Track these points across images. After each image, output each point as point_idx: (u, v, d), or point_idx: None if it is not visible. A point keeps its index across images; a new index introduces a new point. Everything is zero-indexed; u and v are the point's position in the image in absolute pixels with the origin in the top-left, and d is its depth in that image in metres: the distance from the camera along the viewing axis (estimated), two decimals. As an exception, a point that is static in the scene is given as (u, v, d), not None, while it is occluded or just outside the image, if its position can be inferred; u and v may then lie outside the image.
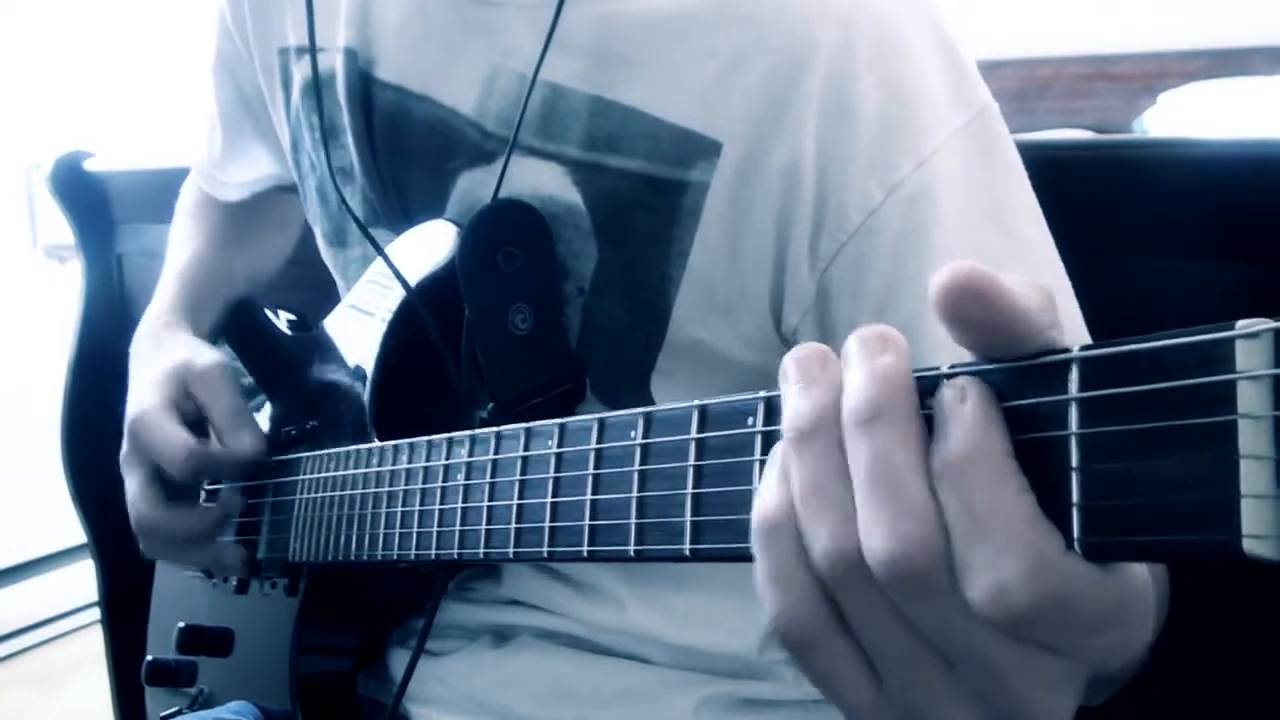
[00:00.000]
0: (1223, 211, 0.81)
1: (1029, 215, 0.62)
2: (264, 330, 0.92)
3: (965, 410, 0.32)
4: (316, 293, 0.89)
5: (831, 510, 0.34)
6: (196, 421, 0.78)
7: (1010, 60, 3.12)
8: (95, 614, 1.49)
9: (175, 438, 0.76)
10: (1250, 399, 0.27)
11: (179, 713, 0.85)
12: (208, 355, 0.80)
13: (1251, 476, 0.27)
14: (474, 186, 0.69)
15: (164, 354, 0.82)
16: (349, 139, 0.74)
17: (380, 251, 0.72)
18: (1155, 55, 3.12)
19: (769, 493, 0.36)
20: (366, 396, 0.72)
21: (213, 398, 0.78)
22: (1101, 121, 3.11)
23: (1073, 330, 0.60)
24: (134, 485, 0.79)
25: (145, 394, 0.79)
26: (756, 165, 0.61)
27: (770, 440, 0.39)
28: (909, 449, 0.33)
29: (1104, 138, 1.82)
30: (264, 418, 0.85)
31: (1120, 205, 0.84)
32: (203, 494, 0.84)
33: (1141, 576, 0.37)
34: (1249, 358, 0.27)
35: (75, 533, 1.38)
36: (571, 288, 0.67)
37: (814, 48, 0.59)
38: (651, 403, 0.68)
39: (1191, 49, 3.07)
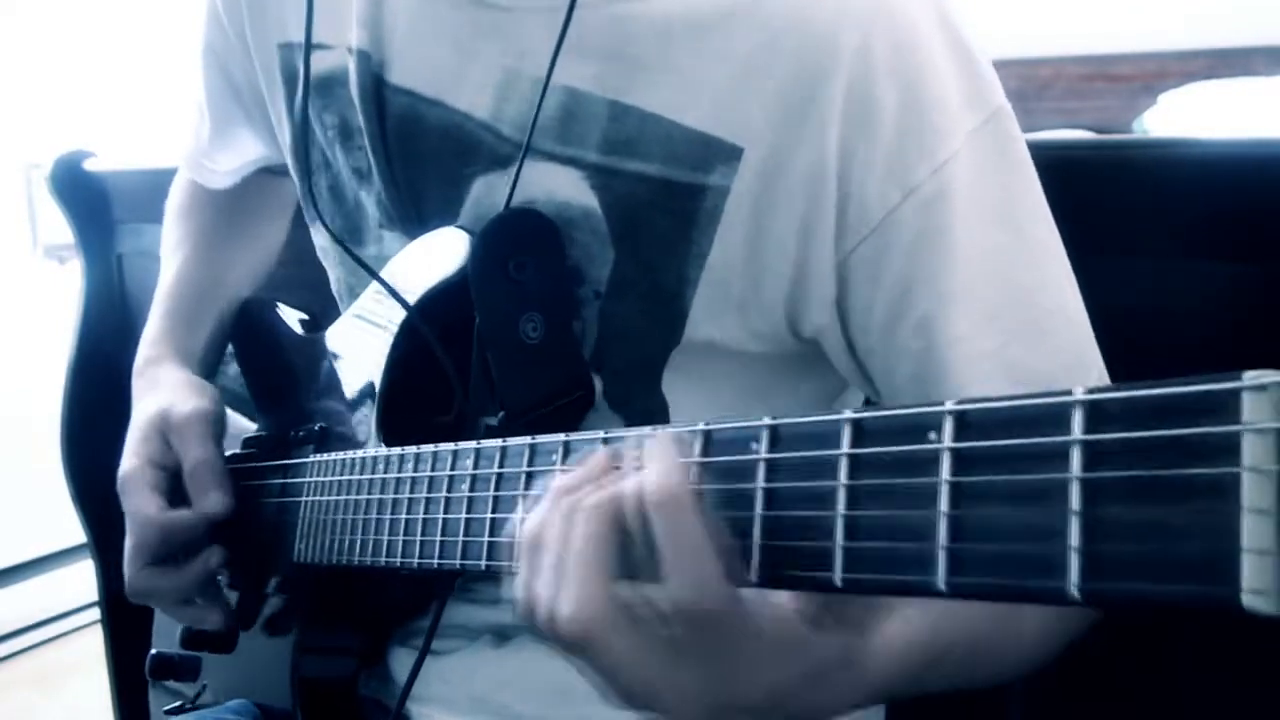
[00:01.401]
0: (1223, 211, 0.81)
1: (1040, 215, 0.63)
2: (273, 330, 0.92)
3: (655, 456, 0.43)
4: (321, 292, 0.89)
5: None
6: (178, 471, 0.80)
7: (1010, 60, 3.12)
8: (95, 614, 1.49)
9: (144, 508, 0.78)
10: (1255, 452, 0.26)
11: (181, 708, 0.85)
12: (187, 403, 0.81)
13: (1254, 531, 0.26)
14: (489, 191, 0.69)
15: (150, 397, 0.84)
16: (364, 141, 0.74)
17: (375, 276, 0.73)
18: (1155, 55, 3.12)
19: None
20: (373, 405, 0.72)
21: (185, 451, 0.79)
22: (1101, 121, 3.11)
23: (1078, 325, 0.62)
24: (128, 545, 0.80)
25: (131, 448, 0.81)
26: (780, 169, 0.62)
27: (775, 466, 0.40)
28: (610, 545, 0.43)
29: (1104, 138, 1.82)
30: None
31: (1120, 205, 0.84)
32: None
33: (876, 658, 0.48)
34: (1256, 410, 0.27)
35: (75, 533, 1.38)
36: (587, 291, 0.67)
37: (834, 54, 0.60)
38: (663, 401, 0.68)
39: (1191, 49, 3.07)
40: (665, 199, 0.63)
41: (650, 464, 0.43)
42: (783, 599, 0.46)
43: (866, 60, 0.60)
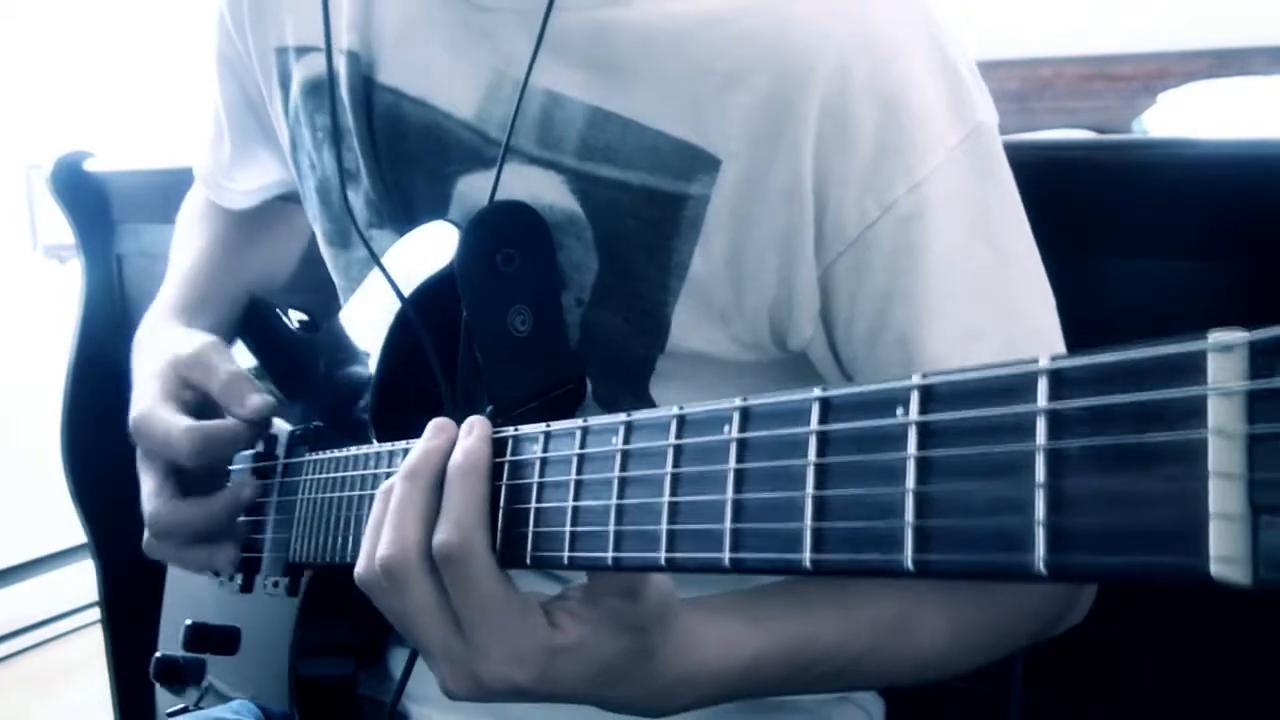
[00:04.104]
0: (1223, 211, 0.81)
1: (1018, 230, 0.63)
2: (275, 329, 0.92)
3: (470, 439, 0.52)
4: (320, 292, 0.89)
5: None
6: (201, 409, 0.78)
7: (1010, 60, 3.12)
8: (95, 614, 1.49)
9: (174, 424, 0.75)
10: (1222, 415, 0.25)
11: (185, 710, 0.85)
12: (196, 339, 0.79)
13: (1221, 496, 0.25)
14: (473, 191, 0.69)
15: (157, 353, 0.82)
16: (354, 141, 0.74)
17: (378, 262, 0.72)
18: (1155, 55, 3.12)
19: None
20: (368, 400, 0.72)
21: (206, 375, 0.77)
22: (1101, 121, 3.11)
23: (1053, 344, 0.63)
24: (149, 484, 0.78)
25: (142, 394, 0.79)
26: (757, 184, 0.61)
27: (745, 446, 0.40)
28: (418, 502, 0.52)
29: (1104, 138, 1.82)
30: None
31: (1120, 205, 0.84)
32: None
33: (692, 654, 0.54)
34: (1221, 371, 0.26)
35: (75, 533, 1.38)
36: (570, 298, 0.67)
37: (811, 71, 0.59)
38: (651, 404, 0.68)
39: (1191, 49, 3.07)
40: (647, 207, 0.63)
41: (462, 439, 0.52)
42: (575, 600, 0.52)
43: (844, 79, 0.59)
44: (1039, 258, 0.64)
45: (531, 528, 0.49)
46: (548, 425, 0.50)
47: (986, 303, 0.61)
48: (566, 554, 0.47)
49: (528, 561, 0.50)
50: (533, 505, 0.50)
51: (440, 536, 0.50)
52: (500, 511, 0.51)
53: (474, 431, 0.52)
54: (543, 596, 0.52)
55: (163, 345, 0.82)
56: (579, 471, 0.47)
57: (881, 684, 0.64)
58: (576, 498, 0.47)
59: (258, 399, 0.75)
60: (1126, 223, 0.84)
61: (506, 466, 0.51)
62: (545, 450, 0.50)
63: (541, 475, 0.49)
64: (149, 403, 0.77)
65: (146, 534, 0.79)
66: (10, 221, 2.93)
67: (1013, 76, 3.18)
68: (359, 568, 0.54)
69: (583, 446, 0.47)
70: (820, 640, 0.58)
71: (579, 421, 0.48)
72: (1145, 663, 0.87)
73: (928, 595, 0.62)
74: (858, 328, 0.63)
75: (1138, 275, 0.84)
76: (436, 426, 0.54)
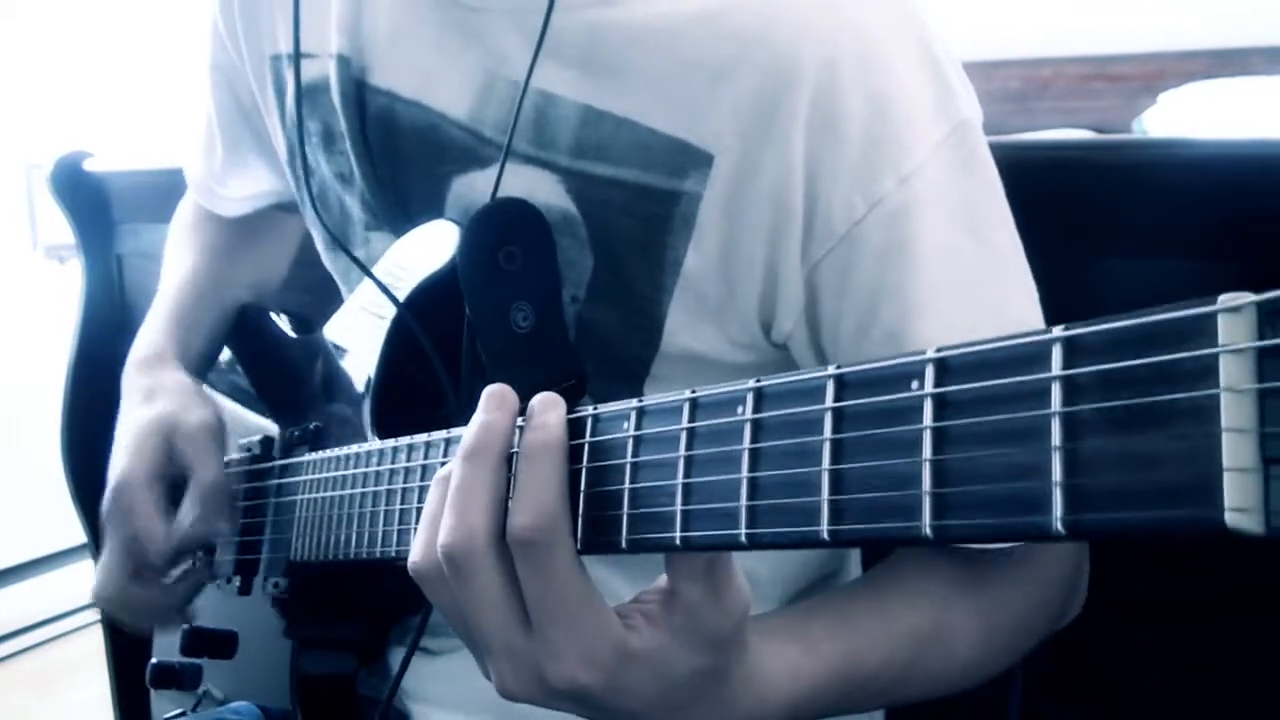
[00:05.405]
0: (1222, 211, 0.81)
1: (1004, 226, 0.64)
2: (268, 333, 0.92)
3: (548, 417, 0.47)
4: (317, 293, 0.89)
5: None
6: (178, 478, 0.79)
7: (1010, 60, 3.12)
8: (95, 614, 1.49)
9: (148, 525, 0.76)
10: (1233, 372, 0.27)
11: (183, 714, 0.85)
12: (194, 412, 0.80)
13: (1234, 450, 0.26)
14: (469, 191, 0.70)
15: (153, 402, 0.82)
16: (346, 144, 0.74)
17: (365, 270, 0.73)
18: (1155, 55, 3.12)
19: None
20: (368, 399, 0.72)
21: (196, 465, 0.77)
22: (1101, 121, 3.11)
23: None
24: (107, 557, 0.80)
25: (131, 452, 0.79)
26: (748, 179, 0.62)
27: (759, 427, 0.40)
28: (483, 486, 0.47)
29: (1104, 138, 1.82)
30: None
31: (1120, 205, 0.84)
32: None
33: (768, 682, 0.52)
34: (1231, 331, 0.27)
35: (75, 533, 1.38)
36: (565, 296, 0.67)
37: (799, 65, 0.60)
38: None
39: (1191, 49, 3.07)
40: (641, 204, 0.64)
41: (534, 418, 0.47)
42: (653, 610, 0.48)
43: (832, 73, 0.60)
44: (1022, 250, 0.64)
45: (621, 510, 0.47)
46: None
47: (973, 298, 0.62)
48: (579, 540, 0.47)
49: (623, 546, 0.46)
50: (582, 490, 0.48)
51: (521, 519, 0.45)
52: (581, 496, 0.47)
53: (557, 408, 0.47)
54: None
55: (157, 395, 0.83)
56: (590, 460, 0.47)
57: (928, 695, 0.63)
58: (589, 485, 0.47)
59: (222, 526, 0.77)
60: (1126, 223, 0.84)
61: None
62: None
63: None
64: (136, 474, 0.78)
65: (95, 590, 0.82)
66: (10, 221, 2.93)
67: (1013, 76, 3.17)
68: (415, 557, 0.50)
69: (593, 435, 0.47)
70: (868, 661, 0.58)
71: (590, 409, 0.48)
72: (1143, 668, 0.87)
73: (958, 600, 0.62)
74: (845, 325, 0.63)
75: (1138, 275, 0.84)
76: (495, 397, 0.48)
